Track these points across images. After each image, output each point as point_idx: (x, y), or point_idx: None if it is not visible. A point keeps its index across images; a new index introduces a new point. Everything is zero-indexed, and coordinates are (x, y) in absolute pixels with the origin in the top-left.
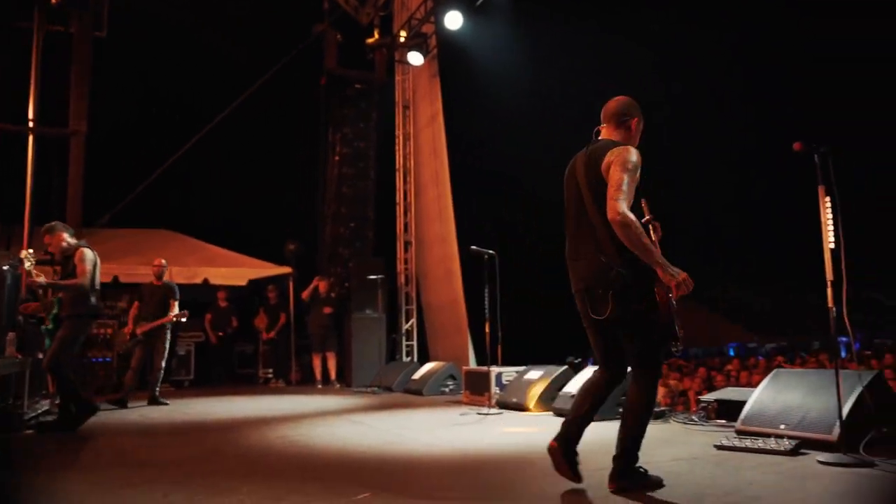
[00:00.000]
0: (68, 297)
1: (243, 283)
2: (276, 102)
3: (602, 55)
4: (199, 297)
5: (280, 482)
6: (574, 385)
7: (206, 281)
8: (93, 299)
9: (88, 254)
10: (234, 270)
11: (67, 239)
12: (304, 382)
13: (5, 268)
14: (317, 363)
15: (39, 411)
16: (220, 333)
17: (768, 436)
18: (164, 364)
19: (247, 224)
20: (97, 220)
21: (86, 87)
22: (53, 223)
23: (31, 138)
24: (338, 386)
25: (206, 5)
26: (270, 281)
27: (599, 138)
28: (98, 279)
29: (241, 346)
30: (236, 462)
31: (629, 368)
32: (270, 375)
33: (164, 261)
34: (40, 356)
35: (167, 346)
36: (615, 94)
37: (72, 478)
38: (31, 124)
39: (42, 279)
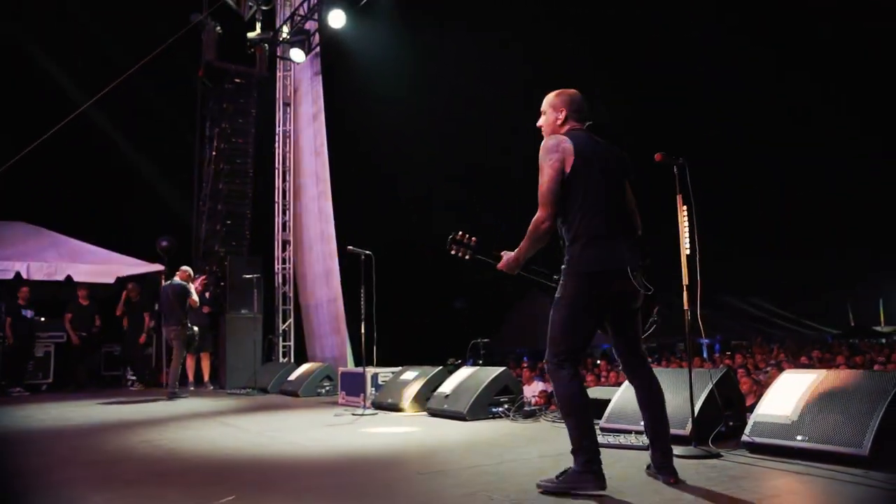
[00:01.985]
0: None
1: (111, 280)
2: (150, 92)
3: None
4: (61, 294)
5: (136, 489)
6: (449, 385)
7: (69, 278)
8: None
9: None
10: (100, 267)
11: None
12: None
13: None
14: (190, 364)
15: None
16: (83, 333)
17: (629, 432)
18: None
19: (116, 219)
20: None
21: None
22: None
23: None
24: (211, 388)
25: None
26: (140, 278)
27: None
28: None
29: (108, 346)
30: (90, 470)
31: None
32: (133, 377)
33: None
34: None
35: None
36: (491, 92)
37: None
38: None
39: None
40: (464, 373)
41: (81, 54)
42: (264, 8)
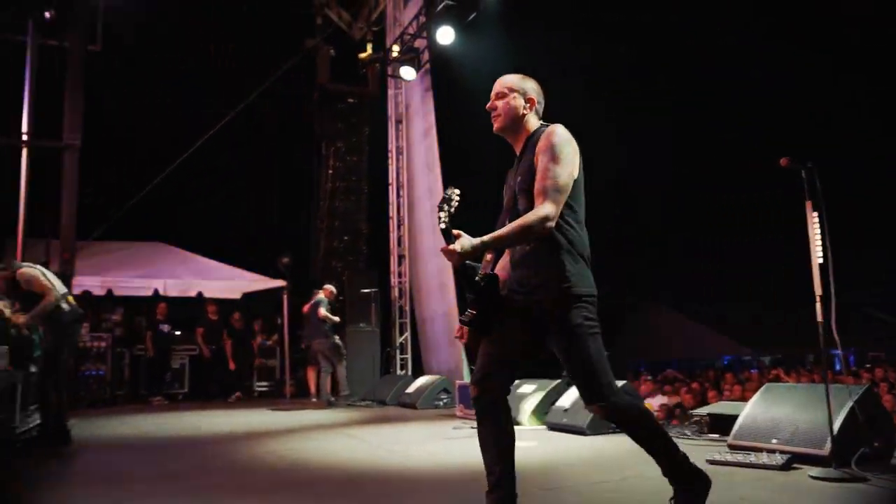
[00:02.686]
0: (46, 315)
1: (237, 296)
2: (268, 117)
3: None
4: (193, 310)
5: (269, 498)
6: (568, 399)
7: (200, 294)
8: (65, 305)
9: (30, 271)
10: (227, 283)
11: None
12: (299, 396)
13: None
14: (311, 377)
15: (31, 425)
16: (213, 347)
17: (760, 450)
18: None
19: (240, 237)
20: (91, 234)
21: (80, 100)
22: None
23: (24, 151)
24: (332, 399)
25: (198, 21)
26: (265, 294)
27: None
28: (57, 283)
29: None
30: (225, 477)
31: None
32: (265, 388)
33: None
34: (32, 370)
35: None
36: (599, 100)
37: (61, 491)
38: (24, 137)
39: (21, 319)
40: None
41: (204, 81)
42: (374, 29)
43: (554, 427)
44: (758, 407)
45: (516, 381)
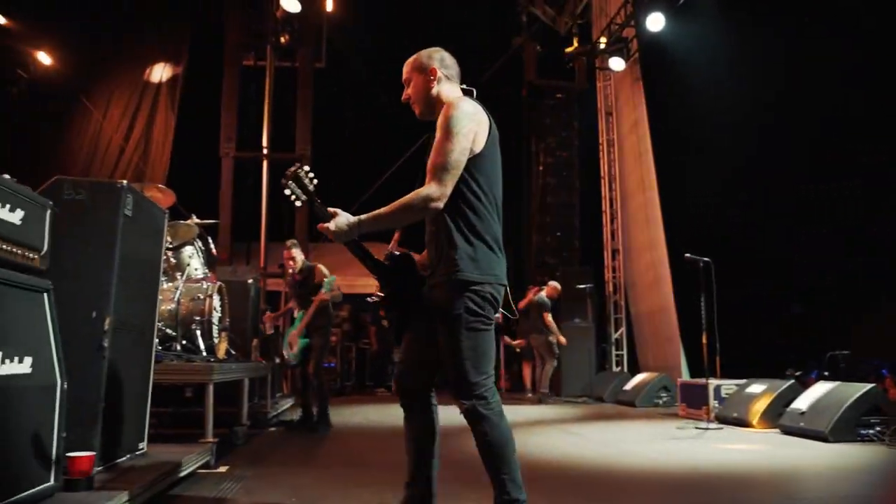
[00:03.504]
0: (317, 311)
1: None
2: None
3: (809, 46)
4: None
5: None
6: (804, 401)
7: None
8: (331, 309)
9: (325, 270)
10: None
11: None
12: (514, 391)
13: (249, 281)
14: (527, 372)
15: (280, 410)
16: None
17: None
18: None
19: None
20: (322, 236)
21: (309, 114)
22: (294, 240)
23: (265, 163)
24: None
25: (407, 30)
26: None
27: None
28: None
29: None
30: (460, 469)
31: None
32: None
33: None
34: (278, 361)
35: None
36: (823, 84)
37: (308, 473)
38: (265, 151)
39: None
40: (821, 388)
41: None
42: (580, 22)
43: (789, 431)
44: None
45: (744, 381)
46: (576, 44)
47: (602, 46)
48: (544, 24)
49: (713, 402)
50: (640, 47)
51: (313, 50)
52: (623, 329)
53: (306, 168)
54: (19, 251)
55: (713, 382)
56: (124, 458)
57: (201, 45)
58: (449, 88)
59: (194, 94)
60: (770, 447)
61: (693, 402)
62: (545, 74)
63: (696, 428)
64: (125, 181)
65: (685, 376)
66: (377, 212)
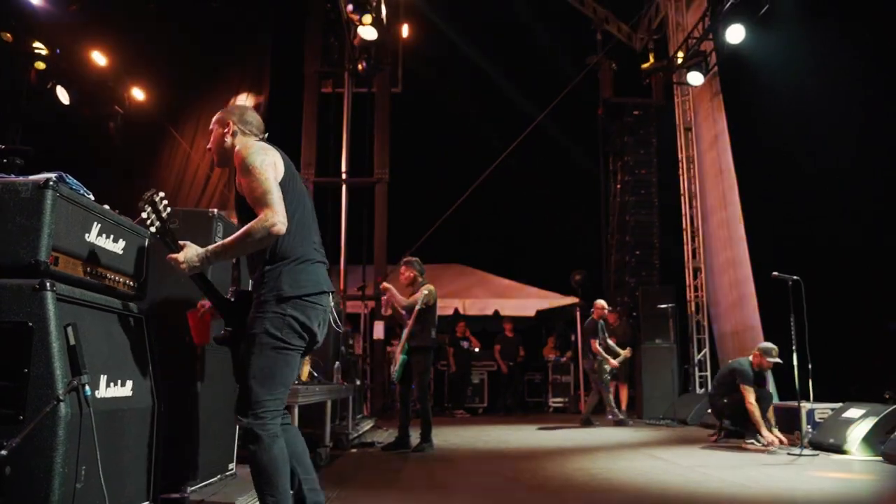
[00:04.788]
0: (418, 330)
1: (531, 314)
2: (555, 136)
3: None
4: (489, 327)
5: None
6: None
7: (496, 312)
8: (433, 332)
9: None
10: (522, 301)
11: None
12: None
13: (331, 304)
14: (623, 394)
15: (361, 432)
16: (510, 363)
17: None
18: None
19: (533, 256)
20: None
21: (386, 138)
22: (411, 259)
23: (343, 188)
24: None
25: (482, 52)
26: (558, 311)
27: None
28: (436, 315)
29: (529, 374)
30: (540, 495)
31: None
32: (559, 404)
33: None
34: (358, 382)
35: None
36: None
37: (390, 496)
38: (343, 176)
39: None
40: None
41: (490, 109)
42: (655, 37)
43: (891, 459)
44: None
45: (840, 404)
46: (652, 59)
47: (679, 61)
48: (619, 42)
49: (806, 427)
50: (718, 60)
51: (389, 75)
52: (706, 349)
53: (161, 194)
54: (121, 279)
55: (806, 406)
56: (215, 479)
57: (282, 74)
58: (243, 140)
59: (275, 122)
60: (874, 477)
61: (783, 427)
62: (621, 92)
63: (789, 454)
64: (216, 210)
65: (774, 399)
66: (222, 242)
